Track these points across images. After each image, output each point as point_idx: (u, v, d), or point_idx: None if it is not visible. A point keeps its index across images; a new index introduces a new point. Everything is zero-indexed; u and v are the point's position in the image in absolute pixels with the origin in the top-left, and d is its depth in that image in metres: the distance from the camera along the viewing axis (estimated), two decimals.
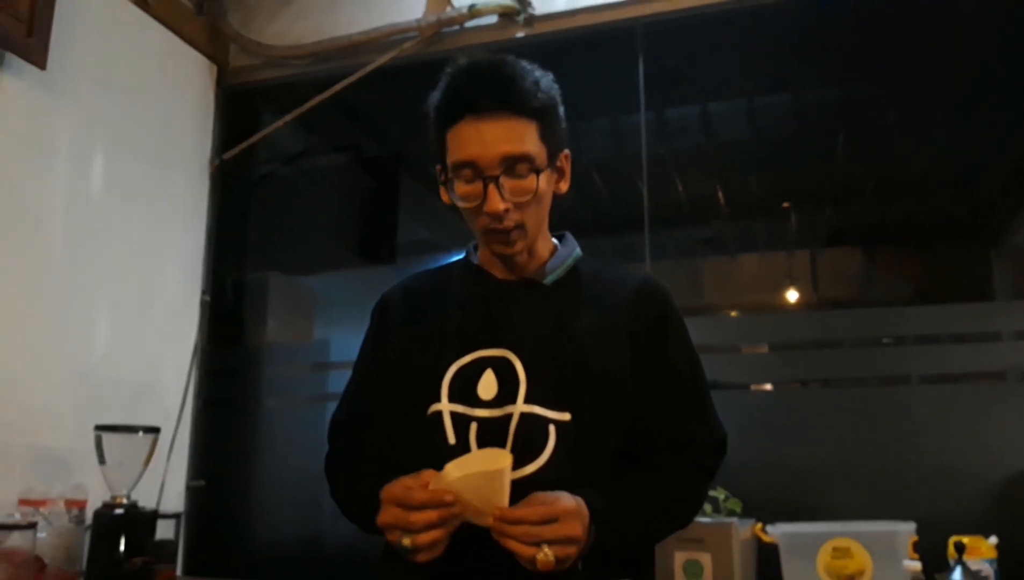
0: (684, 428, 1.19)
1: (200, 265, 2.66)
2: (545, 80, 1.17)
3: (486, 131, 1.10)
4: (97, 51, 2.25)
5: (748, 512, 1.97)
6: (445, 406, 1.12)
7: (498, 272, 1.22)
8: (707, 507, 1.92)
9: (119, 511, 1.77)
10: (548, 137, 1.15)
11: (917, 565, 1.71)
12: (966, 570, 1.63)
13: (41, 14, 1.96)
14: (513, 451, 1.06)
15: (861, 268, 3.15)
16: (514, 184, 1.11)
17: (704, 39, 2.49)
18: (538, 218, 1.18)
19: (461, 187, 1.13)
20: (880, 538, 1.81)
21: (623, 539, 1.08)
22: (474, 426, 1.10)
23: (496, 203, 1.10)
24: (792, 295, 3.14)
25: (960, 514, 1.93)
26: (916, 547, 1.77)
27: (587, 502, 1.03)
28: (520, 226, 1.14)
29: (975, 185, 2.85)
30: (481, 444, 1.10)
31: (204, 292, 2.65)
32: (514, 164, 1.11)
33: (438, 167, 1.19)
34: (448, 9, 2.51)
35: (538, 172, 1.13)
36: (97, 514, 1.77)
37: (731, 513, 1.91)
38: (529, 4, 2.44)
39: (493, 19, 2.50)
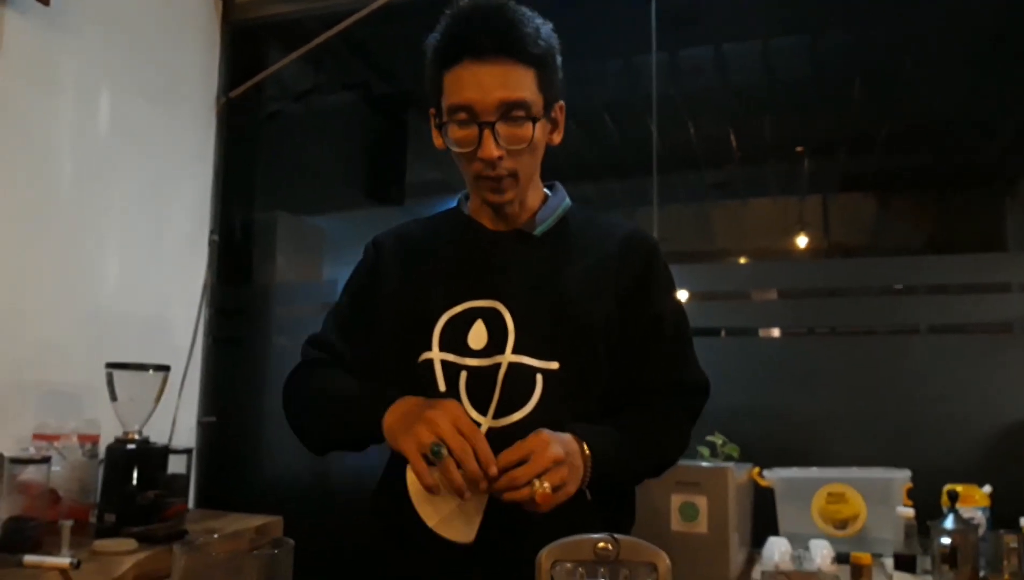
0: (670, 373, 1.21)
1: (208, 204, 2.66)
2: (545, 28, 1.15)
3: (484, 75, 1.09)
4: None
5: (749, 457, 2.00)
6: (436, 354, 1.14)
7: (489, 222, 1.23)
8: (705, 451, 1.95)
9: (131, 446, 1.80)
10: (545, 86, 1.14)
11: (910, 512, 1.73)
12: (958, 517, 1.65)
13: None
14: (501, 399, 1.10)
15: (873, 215, 3.12)
16: (509, 131, 1.11)
17: None
18: (531, 168, 1.18)
19: (456, 131, 1.12)
20: (875, 484, 1.84)
21: (617, 464, 1.10)
22: (464, 374, 1.13)
23: (490, 149, 1.09)
24: (803, 241, 3.12)
25: (958, 462, 1.96)
26: (911, 494, 1.80)
27: (575, 430, 1.05)
28: (512, 174, 1.14)
29: (992, 133, 2.79)
30: (470, 392, 1.12)
31: (212, 231, 2.66)
32: (510, 110, 1.10)
33: (432, 110, 1.18)
34: None
35: (534, 120, 1.12)
36: (109, 449, 1.81)
37: (728, 458, 1.94)
38: None
39: None
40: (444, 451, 0.95)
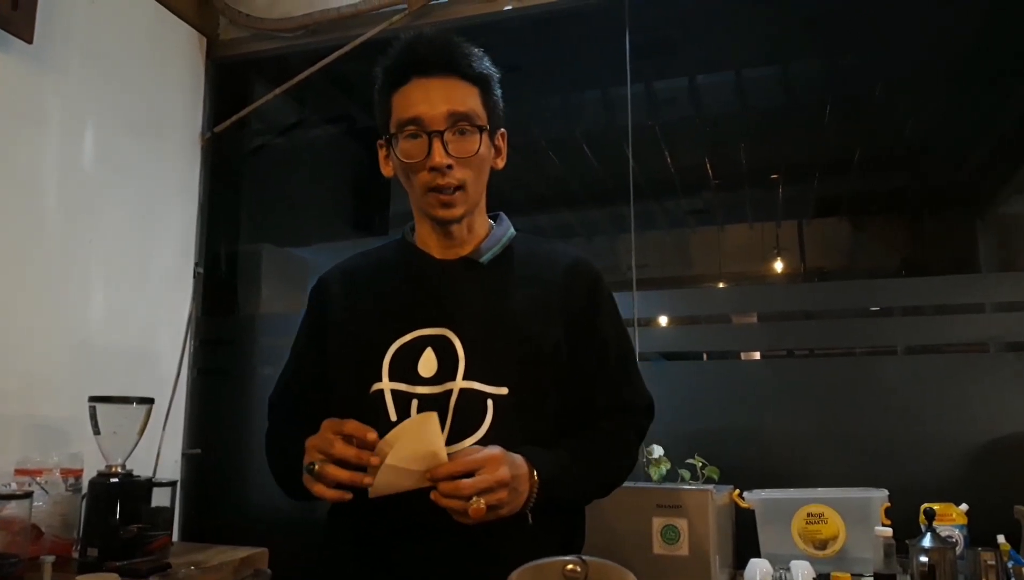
0: (617, 395, 1.25)
1: (193, 237, 2.68)
2: (487, 58, 1.23)
3: (432, 89, 1.16)
4: (84, 24, 2.25)
5: (730, 479, 2.02)
6: (386, 385, 1.16)
7: (436, 251, 1.25)
8: (685, 473, 1.97)
9: (114, 480, 1.79)
10: (489, 106, 1.21)
11: (888, 531, 1.75)
12: (935, 536, 1.67)
13: None
14: (453, 425, 1.12)
15: (848, 239, 3.17)
16: (457, 141, 1.16)
17: (692, 10, 2.48)
18: (478, 185, 1.22)
19: (405, 144, 1.17)
20: (854, 504, 1.86)
21: (565, 488, 1.13)
22: (415, 403, 1.15)
23: (440, 156, 1.14)
24: (779, 265, 3.18)
25: (935, 481, 1.98)
26: (888, 513, 1.82)
27: (527, 455, 1.08)
28: (461, 186, 1.17)
29: (963, 157, 2.85)
30: None
31: (197, 264, 2.68)
32: (457, 121, 1.16)
33: (380, 141, 1.23)
34: None
35: (481, 131, 1.17)
36: (92, 483, 1.79)
37: (709, 480, 1.96)
38: None
39: None
40: (316, 467, 1.03)
